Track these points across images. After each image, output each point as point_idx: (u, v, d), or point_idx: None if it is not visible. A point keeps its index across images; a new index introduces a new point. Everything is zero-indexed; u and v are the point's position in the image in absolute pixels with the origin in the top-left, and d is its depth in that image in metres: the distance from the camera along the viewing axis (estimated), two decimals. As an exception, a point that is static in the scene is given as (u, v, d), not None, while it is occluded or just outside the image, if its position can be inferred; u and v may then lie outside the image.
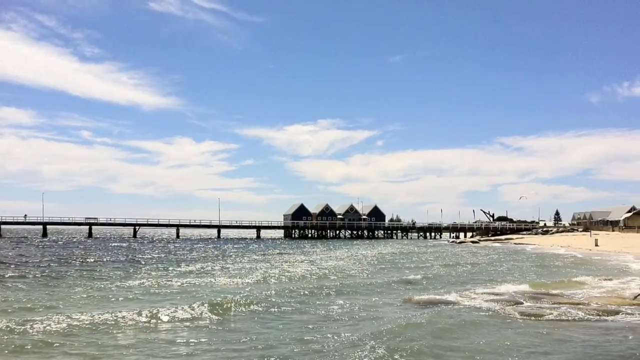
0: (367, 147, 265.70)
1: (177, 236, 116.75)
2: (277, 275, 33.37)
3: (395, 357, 13.66)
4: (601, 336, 15.92)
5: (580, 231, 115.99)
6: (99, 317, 17.94)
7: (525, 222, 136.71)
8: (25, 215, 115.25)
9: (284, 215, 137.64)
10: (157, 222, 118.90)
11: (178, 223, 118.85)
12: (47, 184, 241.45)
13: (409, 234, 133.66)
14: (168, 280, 30.21)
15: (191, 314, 19.01)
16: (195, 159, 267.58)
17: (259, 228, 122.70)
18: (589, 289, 27.13)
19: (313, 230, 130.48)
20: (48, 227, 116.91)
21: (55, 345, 14.71)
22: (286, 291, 25.24)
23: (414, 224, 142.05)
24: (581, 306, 20.68)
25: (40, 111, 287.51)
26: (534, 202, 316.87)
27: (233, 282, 29.97)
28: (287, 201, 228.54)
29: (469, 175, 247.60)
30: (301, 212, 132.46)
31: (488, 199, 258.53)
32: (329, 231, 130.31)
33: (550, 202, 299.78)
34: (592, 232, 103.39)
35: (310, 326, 17.49)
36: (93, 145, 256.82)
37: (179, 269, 38.67)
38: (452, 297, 23.50)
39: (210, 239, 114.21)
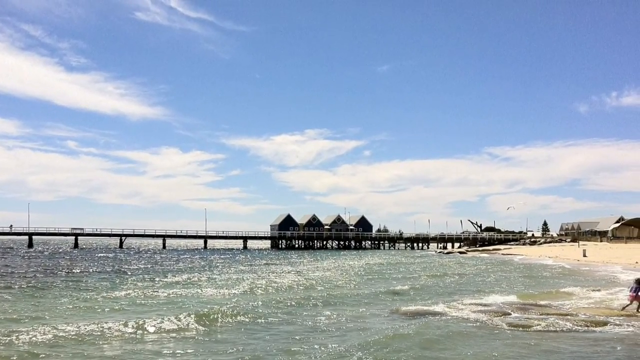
0: (354, 157, 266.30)
1: (164, 247, 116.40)
2: (264, 286, 33.22)
3: (383, 368, 13.60)
4: (589, 347, 15.92)
5: (568, 242, 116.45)
6: (85, 328, 17.76)
7: (513, 232, 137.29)
8: (11, 225, 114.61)
9: (270, 225, 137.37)
10: (143, 233, 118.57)
11: (164, 233, 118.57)
12: (33, 194, 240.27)
13: (396, 244, 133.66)
14: (154, 291, 29.99)
15: (178, 325, 18.85)
16: (182, 169, 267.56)
17: (245, 238, 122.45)
18: (577, 299, 27.19)
19: (300, 241, 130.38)
20: (34, 237, 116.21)
21: (41, 356, 14.54)
22: (273, 302, 25.12)
23: (401, 234, 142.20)
24: (569, 317, 20.70)
25: (26, 121, 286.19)
26: (522, 212, 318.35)
27: (220, 292, 29.80)
28: (274, 211, 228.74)
29: (457, 186, 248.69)
30: (288, 222, 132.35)
31: (476, 209, 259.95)
32: (316, 242, 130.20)
33: (538, 213, 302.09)
34: (580, 242, 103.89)
35: (297, 337, 17.40)
36: (79, 156, 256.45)
37: (165, 279, 38.44)
38: (439, 307, 23.46)
39: (196, 249, 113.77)
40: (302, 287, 33.25)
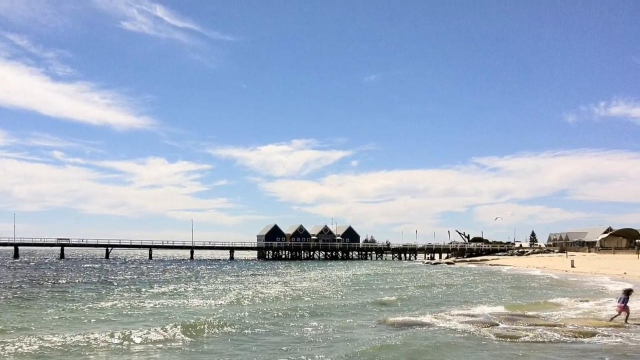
0: (341, 167, 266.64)
1: (150, 257, 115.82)
2: (250, 297, 33.06)
3: (371, 379, 13.53)
4: (577, 358, 15.91)
5: (556, 252, 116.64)
6: (71, 339, 17.59)
7: (500, 243, 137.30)
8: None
9: (257, 236, 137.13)
10: (129, 243, 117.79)
11: (151, 244, 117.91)
12: (19, 204, 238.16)
13: (384, 255, 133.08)
14: (141, 302, 29.78)
15: (164, 336, 18.72)
16: (168, 180, 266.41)
17: (232, 249, 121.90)
18: (565, 310, 27.21)
19: (287, 251, 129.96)
20: (19, 248, 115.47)
21: (24, 368, 14.40)
22: (260, 312, 24.99)
23: (388, 245, 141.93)
24: (557, 328, 20.71)
25: (11, 131, 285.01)
26: (510, 223, 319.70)
27: (206, 303, 29.63)
28: (261, 222, 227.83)
29: (444, 196, 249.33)
30: (275, 233, 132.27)
31: (463, 219, 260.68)
32: (303, 252, 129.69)
33: (526, 223, 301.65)
34: (568, 253, 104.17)
35: (284, 348, 17.29)
36: (65, 166, 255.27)
37: (151, 290, 38.22)
38: (427, 318, 23.41)
39: (183, 260, 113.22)
40: (289, 298, 33.12)
